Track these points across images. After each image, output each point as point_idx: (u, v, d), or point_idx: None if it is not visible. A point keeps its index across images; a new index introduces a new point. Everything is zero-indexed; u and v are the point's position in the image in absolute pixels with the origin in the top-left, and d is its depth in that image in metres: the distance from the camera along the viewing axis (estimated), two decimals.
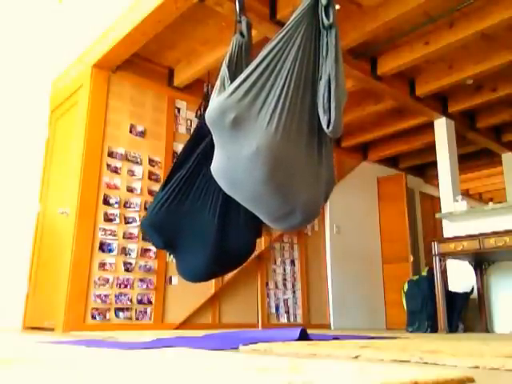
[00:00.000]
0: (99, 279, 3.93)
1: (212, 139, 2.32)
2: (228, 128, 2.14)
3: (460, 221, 4.98)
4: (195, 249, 2.92)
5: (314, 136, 2.32)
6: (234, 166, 2.19)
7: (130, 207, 4.23)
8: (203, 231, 2.89)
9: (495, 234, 4.07)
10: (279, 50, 2.24)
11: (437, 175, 5.51)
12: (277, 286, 5.32)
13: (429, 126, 5.70)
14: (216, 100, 2.19)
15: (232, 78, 2.28)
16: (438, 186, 5.55)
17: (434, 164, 5.62)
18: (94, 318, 3.84)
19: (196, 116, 3.78)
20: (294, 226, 2.45)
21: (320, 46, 2.36)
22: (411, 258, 6.39)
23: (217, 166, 2.28)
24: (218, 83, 2.31)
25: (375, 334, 3.76)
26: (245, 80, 2.18)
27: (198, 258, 2.91)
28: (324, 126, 2.24)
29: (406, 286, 5.01)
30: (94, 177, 4.07)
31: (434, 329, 4.50)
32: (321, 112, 2.25)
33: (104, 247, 4.01)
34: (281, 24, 3.42)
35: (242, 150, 2.12)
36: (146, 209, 4.31)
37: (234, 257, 3.02)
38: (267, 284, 5.22)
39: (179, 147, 4.71)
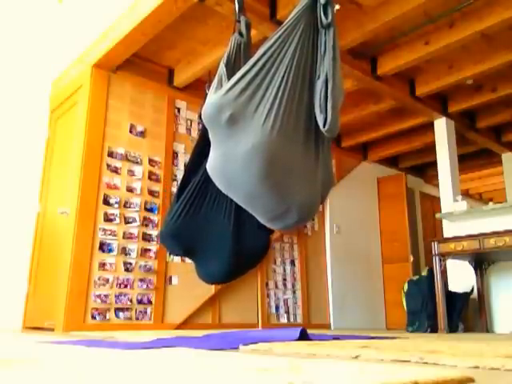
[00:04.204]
0: (99, 279, 3.93)
1: None
2: (224, 125, 2.13)
3: (460, 221, 4.98)
4: (214, 253, 2.99)
5: (311, 135, 2.31)
6: (229, 164, 2.18)
7: (129, 207, 4.23)
8: (220, 235, 2.96)
9: (495, 233, 4.07)
10: (277, 48, 2.23)
11: (437, 175, 5.51)
12: (277, 286, 5.32)
13: (429, 126, 5.71)
14: (212, 97, 2.18)
15: (230, 76, 2.27)
16: (438, 186, 5.55)
17: (434, 164, 5.62)
18: (93, 318, 3.84)
19: (199, 117, 3.78)
20: (290, 225, 2.44)
21: (318, 44, 2.36)
22: (411, 258, 6.39)
23: (213, 164, 2.26)
24: (215, 81, 2.31)
25: (375, 334, 3.76)
26: (242, 78, 2.17)
27: (218, 261, 2.98)
28: (320, 125, 2.23)
29: (406, 286, 5.01)
30: (93, 177, 4.07)
31: (434, 329, 4.50)
32: (317, 111, 2.25)
33: (104, 247, 4.01)
34: (281, 24, 3.40)
35: (238, 148, 2.11)
36: (145, 209, 4.32)
37: (251, 257, 3.08)
38: (267, 284, 5.22)
39: (179, 147, 4.72)
